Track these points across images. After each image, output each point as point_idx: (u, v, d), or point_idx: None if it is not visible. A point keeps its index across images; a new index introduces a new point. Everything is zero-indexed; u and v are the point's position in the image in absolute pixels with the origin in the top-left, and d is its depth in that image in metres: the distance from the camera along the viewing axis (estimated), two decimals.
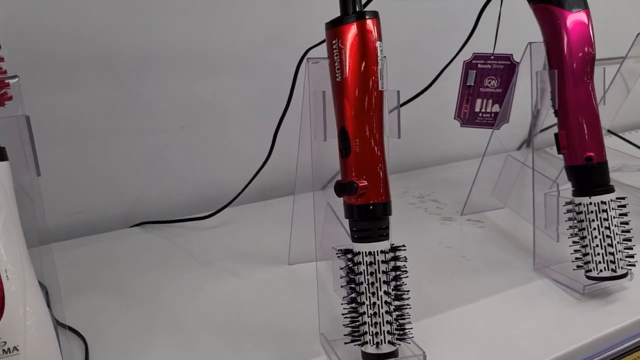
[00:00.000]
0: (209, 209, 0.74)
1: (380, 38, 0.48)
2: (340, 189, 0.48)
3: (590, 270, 0.59)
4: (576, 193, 0.60)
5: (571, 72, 0.59)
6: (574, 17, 0.59)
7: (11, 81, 0.39)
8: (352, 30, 0.47)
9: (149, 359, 0.50)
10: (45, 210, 0.73)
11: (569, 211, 0.61)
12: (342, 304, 0.48)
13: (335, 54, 0.47)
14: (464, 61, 0.66)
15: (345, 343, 0.48)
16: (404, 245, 0.49)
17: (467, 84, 0.67)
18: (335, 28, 0.47)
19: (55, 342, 0.38)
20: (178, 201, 0.76)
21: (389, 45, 0.74)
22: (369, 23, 0.47)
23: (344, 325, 0.48)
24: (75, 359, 0.50)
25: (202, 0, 0.72)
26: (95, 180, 0.72)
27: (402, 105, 0.62)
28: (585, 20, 0.60)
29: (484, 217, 0.77)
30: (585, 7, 0.60)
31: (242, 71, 0.76)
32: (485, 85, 0.67)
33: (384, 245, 0.48)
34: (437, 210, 0.80)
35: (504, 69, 0.66)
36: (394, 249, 0.49)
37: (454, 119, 0.69)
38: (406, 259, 0.49)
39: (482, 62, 0.66)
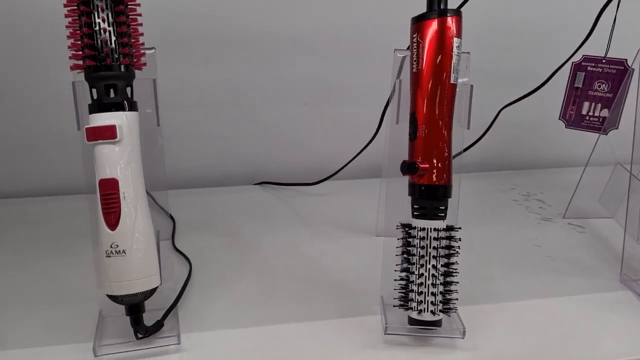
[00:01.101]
0: (319, 177, 0.83)
1: (459, 35, 0.52)
2: (404, 168, 0.53)
3: None
4: None
5: None
6: None
7: (148, 52, 0.51)
8: (432, 27, 0.51)
9: (236, 288, 0.61)
10: (185, 160, 0.88)
11: None
12: (395, 270, 0.54)
13: (414, 47, 0.52)
14: (573, 62, 0.66)
15: (394, 306, 0.54)
16: (460, 227, 0.53)
17: (575, 86, 0.67)
18: (417, 23, 0.52)
19: (155, 254, 0.50)
20: (294, 168, 0.86)
21: (497, 44, 0.76)
22: (449, 20, 0.51)
23: (394, 289, 0.54)
24: (178, 276, 0.62)
25: None
26: (229, 142, 0.85)
27: (512, 103, 0.65)
28: None
29: (587, 223, 0.76)
30: None
31: (365, 56, 0.83)
32: (594, 89, 0.66)
33: (439, 224, 0.52)
34: (539, 210, 0.80)
35: (616, 74, 0.65)
36: (449, 228, 0.53)
37: (559, 119, 0.69)
38: (460, 239, 0.53)
39: (593, 64, 0.66)
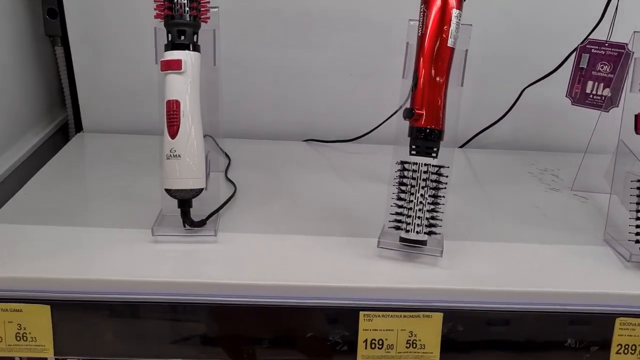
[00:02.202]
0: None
1: (459, 7, 0.63)
2: (405, 113, 0.65)
3: None
4: None
5: None
6: None
7: (212, 9, 0.66)
8: None
9: (271, 207, 0.76)
10: (245, 117, 1.03)
11: (637, 188, 0.66)
12: (391, 198, 0.66)
13: (421, 15, 0.64)
14: (579, 45, 0.75)
15: (388, 227, 0.66)
16: (448, 166, 0.64)
17: (580, 66, 0.75)
18: None
19: (203, 163, 0.65)
20: (338, 128, 0.99)
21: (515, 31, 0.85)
22: None
23: (390, 213, 0.65)
24: (226, 195, 0.77)
25: None
26: (285, 103, 1.00)
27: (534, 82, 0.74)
28: None
29: (592, 196, 0.83)
30: None
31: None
32: (597, 70, 0.75)
33: (430, 161, 0.64)
34: (551, 183, 0.88)
35: (618, 56, 0.73)
36: (438, 166, 0.64)
37: (566, 96, 0.78)
38: (447, 177, 0.64)
39: (597, 47, 0.74)
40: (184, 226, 0.67)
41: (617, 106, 0.75)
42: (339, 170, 0.91)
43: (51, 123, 1.00)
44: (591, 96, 0.77)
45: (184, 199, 0.65)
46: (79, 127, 1.00)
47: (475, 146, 1.02)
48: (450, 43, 0.63)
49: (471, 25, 0.66)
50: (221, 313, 0.60)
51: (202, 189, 0.66)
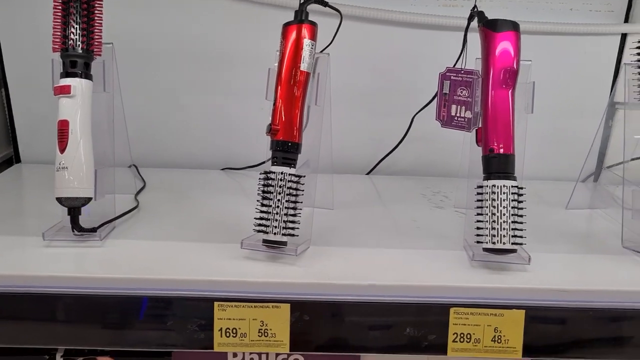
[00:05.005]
0: None
1: (312, 38, 0.73)
2: (266, 128, 0.73)
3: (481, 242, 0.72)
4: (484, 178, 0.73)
5: (490, 80, 0.73)
6: (500, 37, 0.74)
7: (106, 46, 0.77)
8: (291, 30, 0.73)
9: (162, 223, 0.83)
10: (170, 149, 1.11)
11: (478, 193, 0.74)
12: (256, 206, 0.73)
13: (280, 45, 0.74)
14: (440, 73, 0.83)
15: (253, 230, 0.73)
16: (304, 176, 0.72)
17: (444, 92, 0.84)
18: (283, 28, 0.74)
19: (91, 177, 0.73)
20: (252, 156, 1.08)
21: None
22: (303, 27, 0.73)
23: (255, 218, 0.73)
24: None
25: None
26: (205, 136, 1.10)
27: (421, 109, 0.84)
28: (511, 40, 0.73)
29: (471, 211, 0.90)
30: (513, 29, 0.73)
31: None
32: (458, 94, 0.83)
33: (287, 170, 0.72)
34: (438, 202, 0.95)
35: (472, 82, 0.81)
36: (297, 176, 0.72)
37: (436, 120, 0.86)
38: (303, 184, 0.72)
39: (455, 74, 0.82)
40: (73, 232, 0.75)
41: (479, 126, 0.83)
42: (246, 192, 0.99)
43: None
44: (456, 118, 0.85)
45: (73, 207, 0.74)
46: (18, 159, 1.10)
47: (384, 173, 1.10)
48: (303, 67, 0.73)
49: (329, 54, 0.76)
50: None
51: (90, 198, 0.74)
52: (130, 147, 1.03)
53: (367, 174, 1.09)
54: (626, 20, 1.05)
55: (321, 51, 0.79)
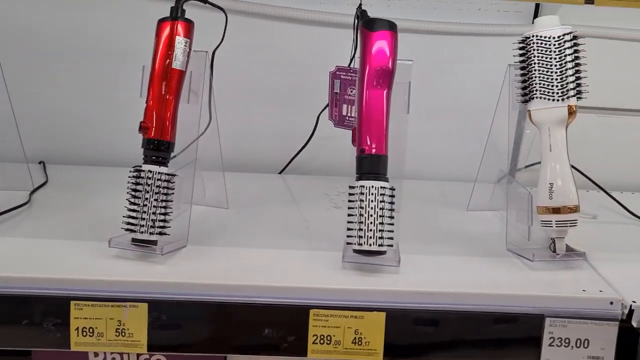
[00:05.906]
0: None
1: (186, 36, 0.72)
2: (139, 126, 0.73)
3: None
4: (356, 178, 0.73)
5: (365, 80, 0.73)
6: (376, 36, 0.73)
7: None
8: (164, 27, 0.72)
9: (47, 221, 0.82)
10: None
11: (350, 194, 0.73)
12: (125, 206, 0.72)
13: (154, 44, 0.73)
14: (330, 72, 0.83)
15: (122, 228, 0.72)
16: (176, 175, 0.72)
17: (335, 91, 0.83)
18: (158, 24, 0.73)
19: None
20: None
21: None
22: (177, 24, 0.72)
23: (123, 216, 0.72)
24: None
25: None
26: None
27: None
28: (387, 39, 0.73)
29: None
30: (389, 29, 0.73)
31: None
32: (348, 94, 0.82)
33: (156, 168, 0.71)
34: (339, 203, 0.94)
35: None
36: (169, 174, 0.71)
37: (328, 119, 0.85)
38: (174, 183, 0.71)
39: (345, 73, 0.82)
40: None
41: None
42: None
43: None
44: (347, 118, 0.84)
45: None
46: None
47: (300, 172, 1.10)
48: (175, 65, 0.72)
49: (206, 51, 0.75)
50: None
51: None
52: (40, 143, 1.03)
53: (280, 173, 1.08)
54: None
55: (215, 49, 0.79)
